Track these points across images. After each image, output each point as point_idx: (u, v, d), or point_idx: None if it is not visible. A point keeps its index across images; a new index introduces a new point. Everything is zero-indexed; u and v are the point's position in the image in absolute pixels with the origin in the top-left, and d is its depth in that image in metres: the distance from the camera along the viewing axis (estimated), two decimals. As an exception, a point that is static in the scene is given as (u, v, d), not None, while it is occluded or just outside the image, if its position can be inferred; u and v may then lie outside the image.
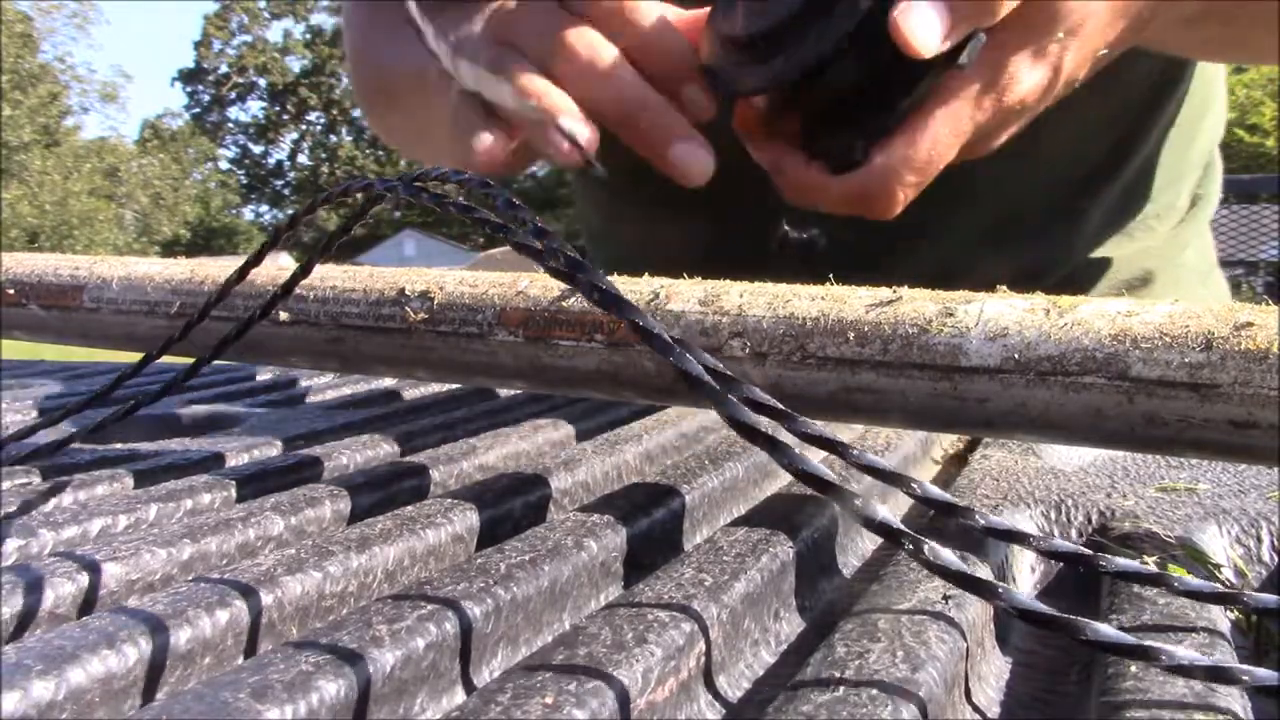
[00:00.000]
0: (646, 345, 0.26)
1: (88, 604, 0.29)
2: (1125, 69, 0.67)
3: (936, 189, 0.65)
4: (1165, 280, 0.76)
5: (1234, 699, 0.23)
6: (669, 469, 0.42)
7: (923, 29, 0.39)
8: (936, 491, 0.24)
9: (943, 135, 0.44)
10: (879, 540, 0.40)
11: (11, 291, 0.45)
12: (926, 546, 0.23)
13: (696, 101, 0.48)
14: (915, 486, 0.24)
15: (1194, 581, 0.25)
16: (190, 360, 0.37)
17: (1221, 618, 0.28)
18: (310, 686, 0.22)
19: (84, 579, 0.29)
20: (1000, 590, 0.22)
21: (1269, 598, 0.24)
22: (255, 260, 0.36)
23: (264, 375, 0.77)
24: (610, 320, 0.33)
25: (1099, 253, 0.75)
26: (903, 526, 0.23)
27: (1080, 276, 0.73)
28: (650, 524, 0.36)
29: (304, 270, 0.36)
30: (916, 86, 0.43)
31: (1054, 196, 0.73)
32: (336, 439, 0.52)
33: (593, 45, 0.47)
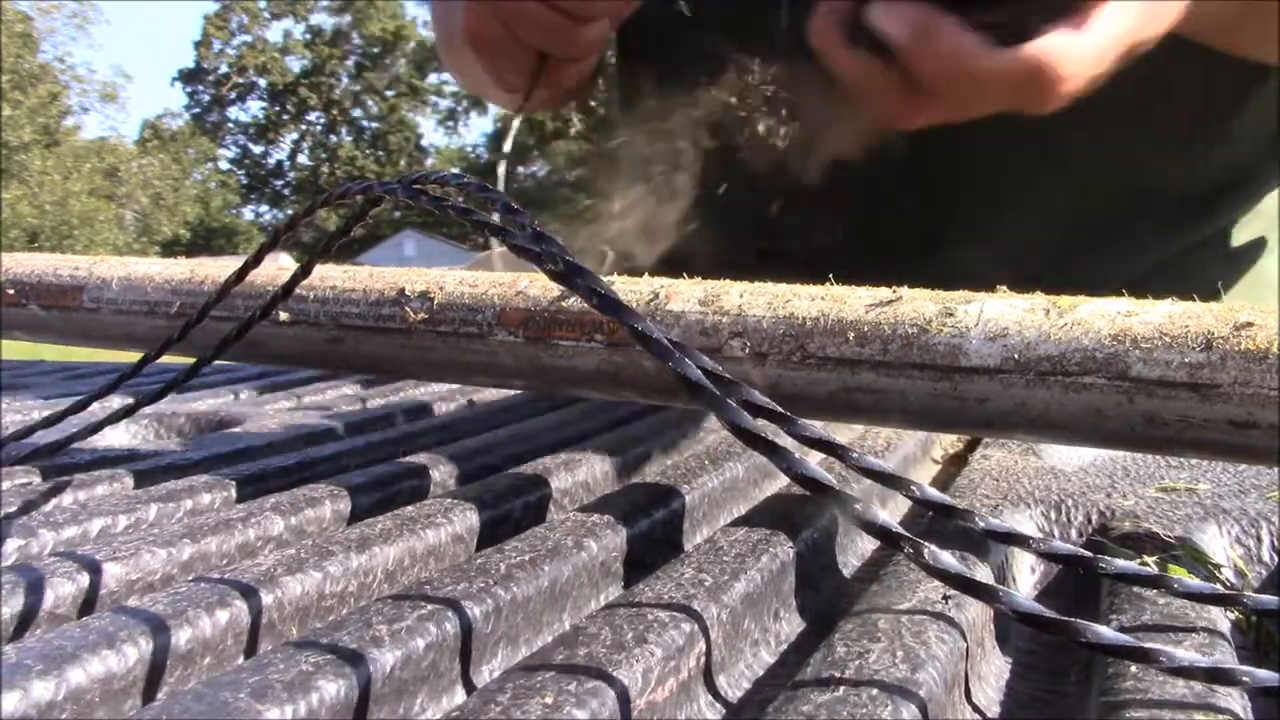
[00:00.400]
0: (645, 350, 0.27)
1: (88, 604, 0.29)
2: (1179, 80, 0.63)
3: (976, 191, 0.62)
4: (1237, 292, 0.70)
5: (1234, 699, 0.23)
6: (669, 469, 0.42)
7: None
8: (935, 493, 0.24)
9: (1114, 27, 0.39)
10: (877, 541, 0.40)
11: (11, 291, 0.45)
12: (926, 550, 0.23)
13: None
14: (915, 489, 0.24)
15: (1193, 583, 0.25)
16: (190, 360, 0.37)
17: (1221, 618, 0.28)
18: (310, 686, 0.22)
19: (84, 579, 0.29)
20: (1000, 593, 0.22)
21: (1269, 599, 0.24)
22: (254, 262, 0.36)
23: (264, 375, 0.77)
24: (610, 321, 0.33)
25: (1156, 261, 0.70)
26: (902, 530, 0.23)
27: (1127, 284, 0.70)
28: (650, 524, 0.36)
29: (304, 271, 0.36)
30: None
31: (1095, 217, 0.69)
32: (337, 439, 0.52)
33: None
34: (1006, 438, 0.30)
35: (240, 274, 0.36)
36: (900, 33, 0.39)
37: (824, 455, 0.26)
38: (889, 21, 0.40)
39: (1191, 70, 0.61)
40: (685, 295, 0.32)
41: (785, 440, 0.25)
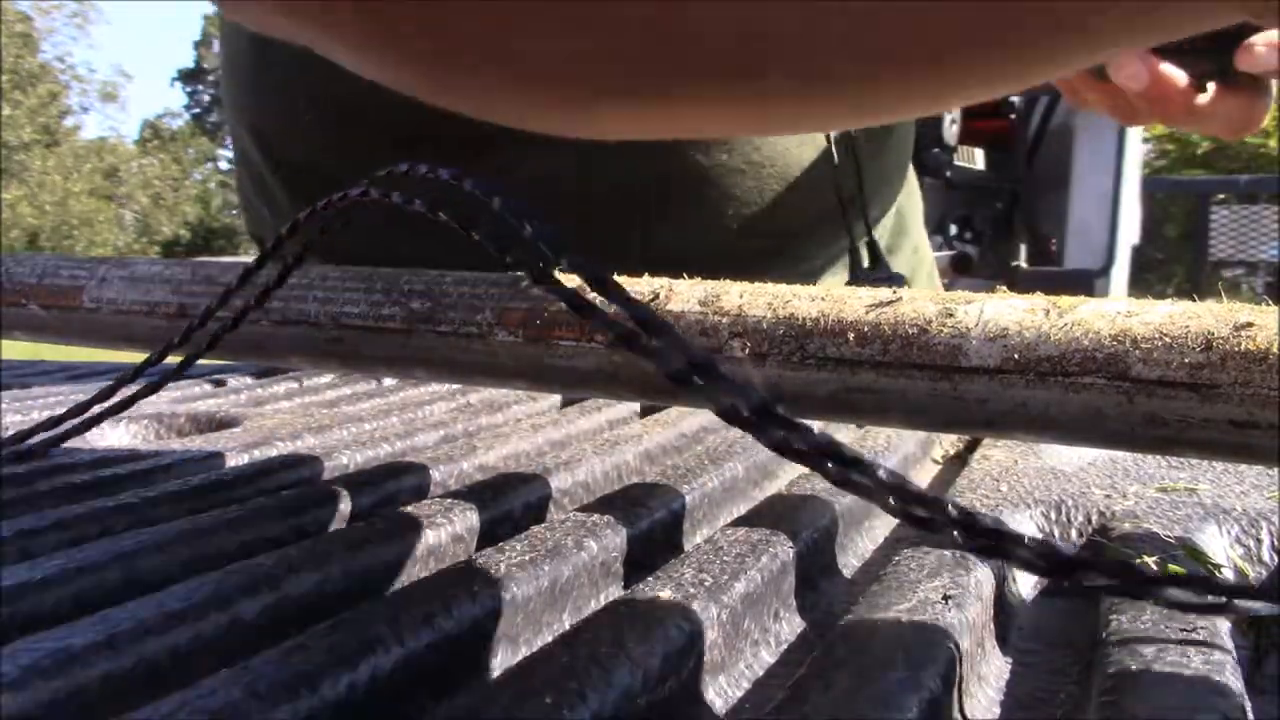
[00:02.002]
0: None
1: (88, 604, 0.29)
2: None
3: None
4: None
5: (1234, 699, 0.23)
6: (669, 469, 0.42)
7: None
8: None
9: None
10: (879, 540, 0.40)
11: (12, 291, 0.45)
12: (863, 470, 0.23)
13: None
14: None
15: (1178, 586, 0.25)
16: (192, 360, 0.37)
17: (1222, 619, 0.28)
18: (310, 686, 0.22)
19: (85, 579, 0.29)
20: (866, 464, 0.22)
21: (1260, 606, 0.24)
22: (257, 265, 0.36)
23: (264, 375, 0.77)
24: (610, 320, 0.33)
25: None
26: (843, 445, 0.23)
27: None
28: (650, 524, 0.36)
29: (290, 269, 0.36)
30: None
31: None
32: (337, 439, 0.52)
33: None
34: (1006, 438, 0.30)
35: (243, 278, 0.36)
36: (1137, 88, 0.51)
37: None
38: (1125, 77, 0.51)
39: None
40: (685, 296, 0.32)
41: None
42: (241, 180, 0.87)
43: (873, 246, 0.81)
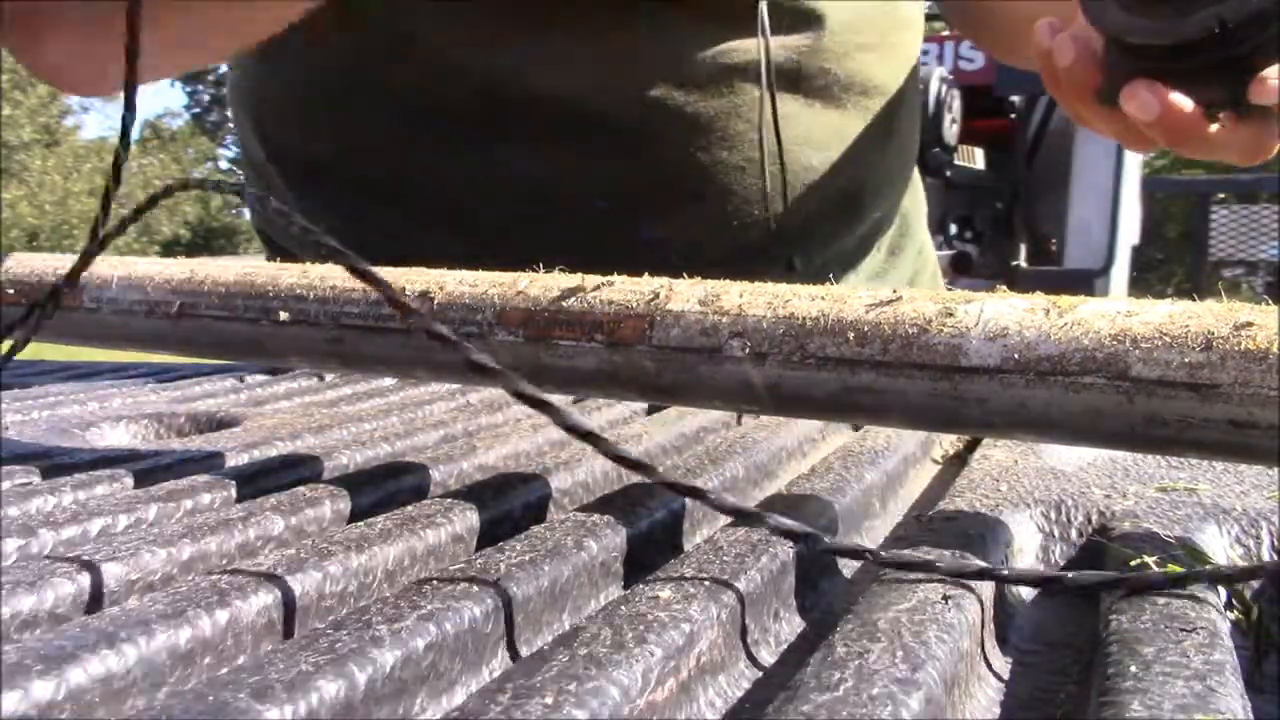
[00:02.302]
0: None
1: (88, 604, 0.29)
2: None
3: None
4: None
5: (1234, 699, 0.23)
6: (669, 469, 0.42)
7: None
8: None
9: None
10: (878, 540, 0.40)
11: (11, 291, 0.45)
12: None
13: None
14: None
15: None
16: (193, 360, 0.37)
17: (1221, 619, 0.28)
18: (310, 686, 0.22)
19: (84, 579, 0.29)
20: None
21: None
22: (81, 265, 0.37)
23: (263, 375, 0.77)
24: (610, 320, 0.33)
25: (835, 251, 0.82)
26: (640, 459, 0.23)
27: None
28: (650, 524, 0.36)
29: (87, 259, 0.37)
30: None
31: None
32: (337, 438, 0.52)
33: None
34: (1006, 438, 0.30)
35: (69, 277, 0.38)
36: (1148, 118, 0.51)
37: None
38: (1136, 107, 0.51)
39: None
40: (685, 295, 0.32)
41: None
42: (245, 173, 0.88)
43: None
